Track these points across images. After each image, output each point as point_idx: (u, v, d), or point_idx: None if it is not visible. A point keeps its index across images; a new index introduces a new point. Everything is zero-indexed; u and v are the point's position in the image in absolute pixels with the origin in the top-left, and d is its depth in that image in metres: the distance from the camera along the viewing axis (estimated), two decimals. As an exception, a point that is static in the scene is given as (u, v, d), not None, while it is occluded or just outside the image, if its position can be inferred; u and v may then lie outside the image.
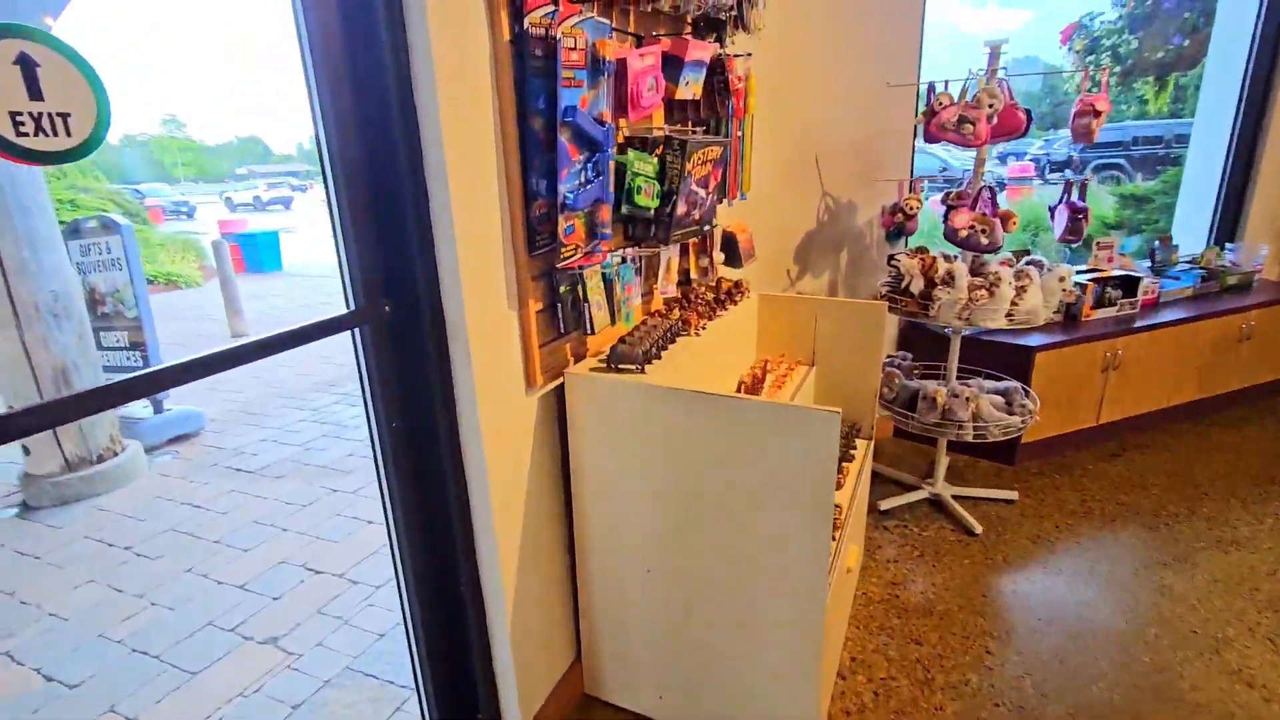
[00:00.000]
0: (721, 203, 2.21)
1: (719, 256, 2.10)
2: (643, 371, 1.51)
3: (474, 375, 1.31)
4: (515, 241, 1.38)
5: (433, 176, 1.21)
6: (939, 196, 2.50)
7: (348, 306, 1.22)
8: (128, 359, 4.18)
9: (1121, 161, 9.82)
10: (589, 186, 1.40)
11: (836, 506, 1.71)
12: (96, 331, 4.18)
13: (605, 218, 1.45)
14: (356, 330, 1.24)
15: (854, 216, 2.99)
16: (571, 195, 1.36)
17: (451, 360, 1.32)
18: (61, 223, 4.76)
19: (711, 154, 1.80)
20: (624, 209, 1.56)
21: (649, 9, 1.64)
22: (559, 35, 1.27)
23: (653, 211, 1.68)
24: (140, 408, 4.21)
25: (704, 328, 1.81)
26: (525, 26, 1.29)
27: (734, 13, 1.96)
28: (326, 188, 1.16)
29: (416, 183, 1.20)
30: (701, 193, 1.82)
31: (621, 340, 1.58)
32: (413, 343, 1.28)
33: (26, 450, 3.44)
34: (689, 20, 2.01)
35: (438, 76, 1.15)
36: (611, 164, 1.43)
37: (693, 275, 2.08)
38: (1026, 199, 8.67)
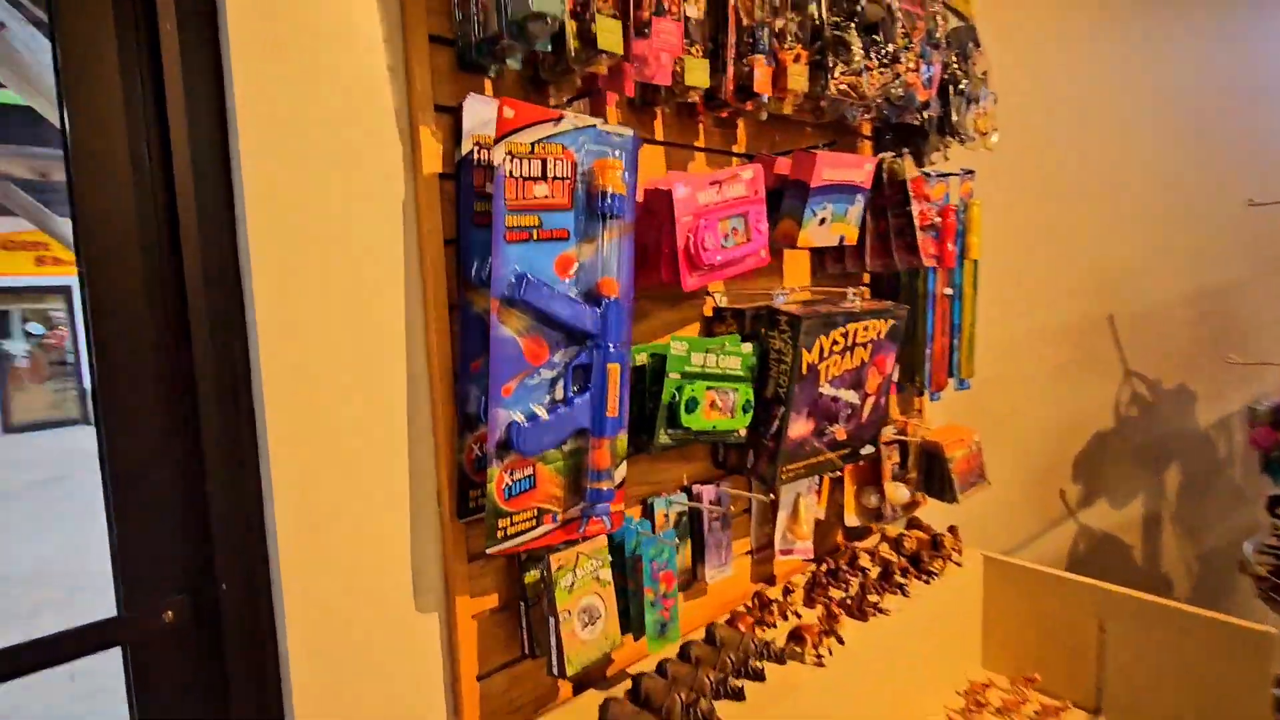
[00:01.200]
0: (922, 395, 1.40)
1: (899, 491, 1.25)
2: (653, 771, 0.76)
3: (303, 750, 0.71)
4: (441, 500, 0.80)
5: (258, 393, 0.71)
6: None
7: (118, 610, 0.74)
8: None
9: None
10: (561, 410, 0.77)
11: None
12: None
13: (601, 463, 0.79)
14: (124, 650, 0.74)
15: (1188, 413, 1.83)
16: (519, 428, 0.74)
17: (284, 707, 0.75)
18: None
19: (870, 331, 1.06)
20: (664, 435, 0.89)
21: (761, 114, 1.03)
22: (500, 158, 0.72)
23: (741, 432, 0.97)
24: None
25: (829, 647, 0.97)
26: (470, 152, 0.77)
27: (931, 112, 1.24)
28: (93, 404, 0.72)
29: (233, 401, 0.71)
30: (849, 396, 1.07)
31: (635, 685, 0.85)
32: (212, 675, 0.74)
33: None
34: (864, 129, 1.35)
35: (255, 253, 0.67)
36: (614, 368, 0.79)
37: (850, 518, 1.26)
38: None
